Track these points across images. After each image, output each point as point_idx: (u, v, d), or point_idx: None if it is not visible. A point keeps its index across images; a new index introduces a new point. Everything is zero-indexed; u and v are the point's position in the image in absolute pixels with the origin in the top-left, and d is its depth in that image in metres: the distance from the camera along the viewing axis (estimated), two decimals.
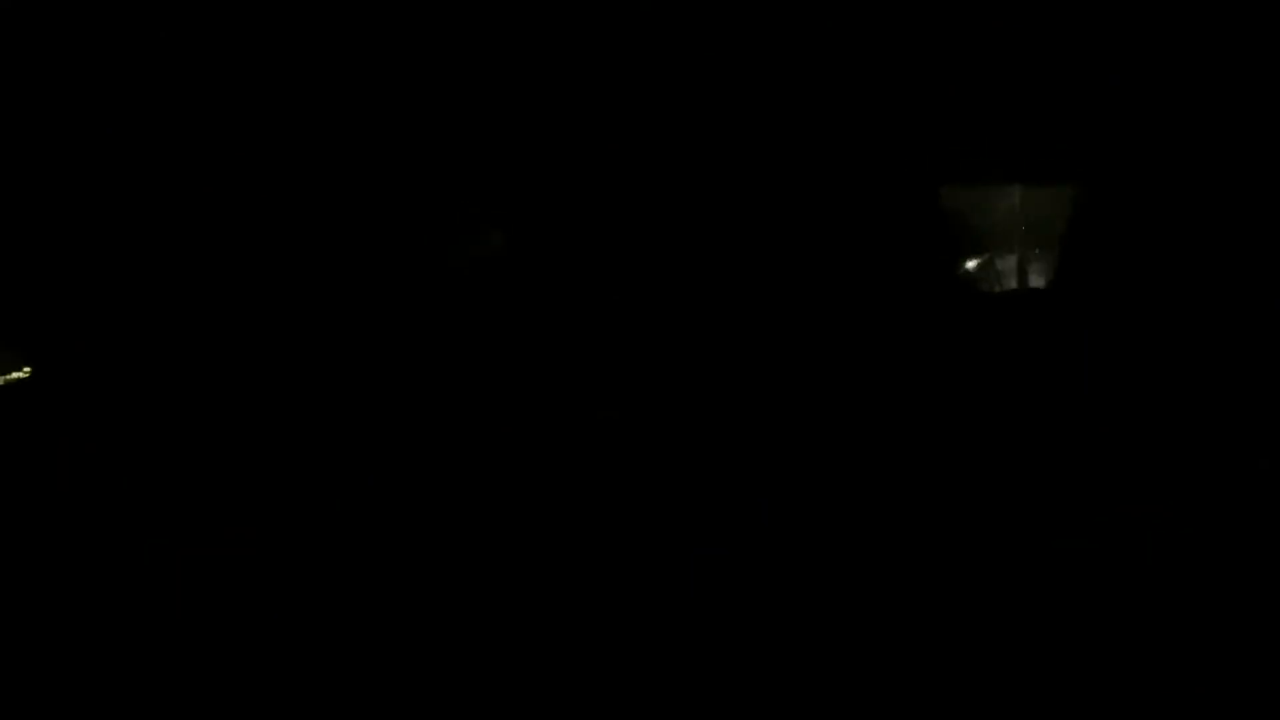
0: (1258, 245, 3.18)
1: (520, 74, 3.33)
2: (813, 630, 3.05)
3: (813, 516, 3.14)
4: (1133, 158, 3.23)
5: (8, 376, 3.28)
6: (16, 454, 3.23)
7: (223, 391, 3.27)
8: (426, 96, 3.34)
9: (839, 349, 3.24)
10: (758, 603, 3.07)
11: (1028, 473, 3.12)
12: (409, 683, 3.05)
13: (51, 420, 3.26)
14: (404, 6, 3.31)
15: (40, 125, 3.31)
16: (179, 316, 3.31)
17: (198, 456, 3.22)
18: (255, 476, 3.19)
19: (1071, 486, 3.10)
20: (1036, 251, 3.20)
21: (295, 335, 3.30)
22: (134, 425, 3.25)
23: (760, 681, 3.02)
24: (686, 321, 3.28)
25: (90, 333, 3.31)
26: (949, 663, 3.00)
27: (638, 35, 3.26)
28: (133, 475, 3.22)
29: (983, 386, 3.20)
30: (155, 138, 3.33)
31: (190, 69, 3.31)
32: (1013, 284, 3.21)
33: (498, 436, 3.23)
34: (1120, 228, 3.22)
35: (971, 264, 3.23)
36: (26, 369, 3.28)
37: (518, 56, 3.32)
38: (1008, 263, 3.21)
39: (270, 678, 3.05)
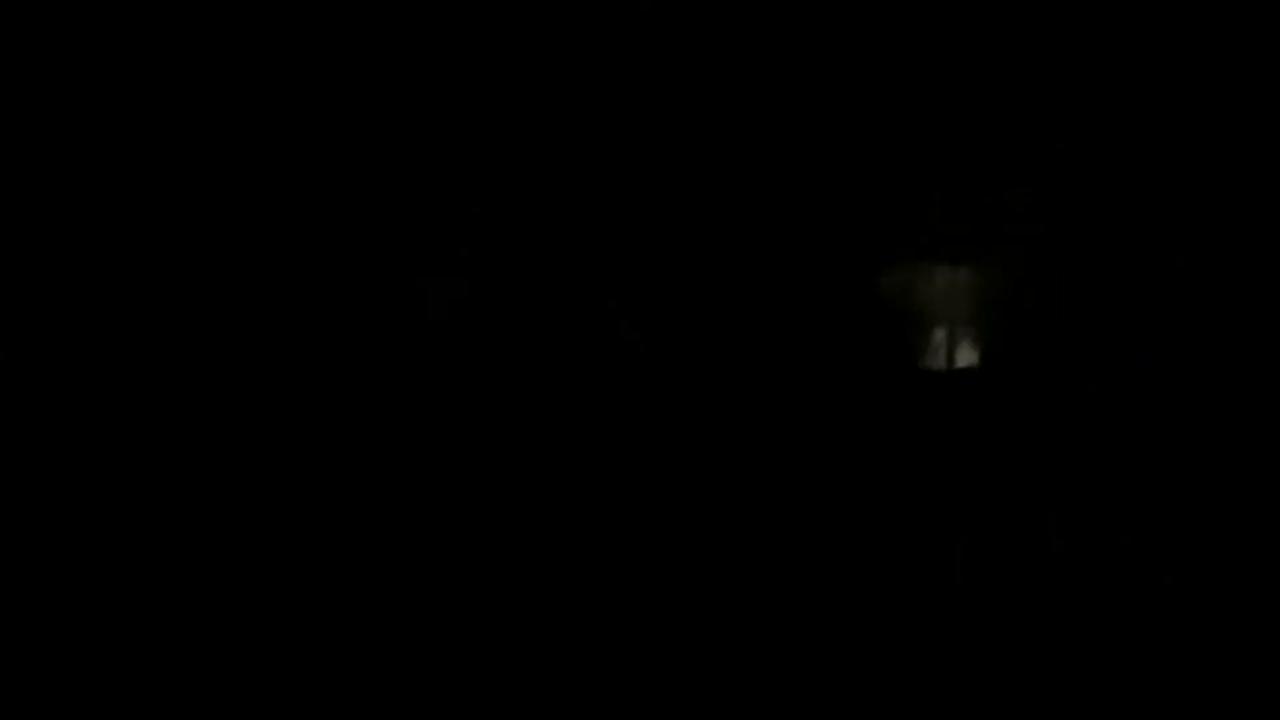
0: (1181, 319, 3.20)
1: (515, 77, 3.33)
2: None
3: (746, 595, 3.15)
4: (1060, 235, 3.25)
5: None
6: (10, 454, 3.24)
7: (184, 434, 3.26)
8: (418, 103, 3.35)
9: (777, 423, 3.25)
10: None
11: (959, 549, 3.14)
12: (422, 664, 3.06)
13: (44, 421, 3.27)
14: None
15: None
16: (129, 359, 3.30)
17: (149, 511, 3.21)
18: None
19: (1002, 559, 3.12)
20: (967, 328, 3.22)
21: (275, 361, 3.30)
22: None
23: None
24: (645, 384, 3.28)
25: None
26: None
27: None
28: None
29: (920, 461, 3.21)
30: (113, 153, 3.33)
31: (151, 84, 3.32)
32: (946, 361, 3.23)
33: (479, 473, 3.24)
34: (1053, 303, 3.23)
35: (907, 340, 3.25)
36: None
37: (511, 59, 3.33)
38: (939, 338, 3.24)
39: (267, 676, 3.05)
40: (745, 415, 3.24)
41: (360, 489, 3.20)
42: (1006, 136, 3.25)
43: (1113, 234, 3.22)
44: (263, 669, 3.06)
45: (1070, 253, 3.22)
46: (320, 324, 3.31)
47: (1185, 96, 3.22)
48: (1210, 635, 3.00)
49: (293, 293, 3.32)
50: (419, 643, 3.09)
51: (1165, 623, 3.02)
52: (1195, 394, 3.16)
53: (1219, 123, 3.21)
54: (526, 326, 3.30)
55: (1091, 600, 3.06)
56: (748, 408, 3.24)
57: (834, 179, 3.31)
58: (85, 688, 3.04)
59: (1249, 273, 3.17)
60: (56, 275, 3.29)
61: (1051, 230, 3.23)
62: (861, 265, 3.29)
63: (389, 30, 3.32)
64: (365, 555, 3.17)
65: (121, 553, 3.16)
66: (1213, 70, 3.20)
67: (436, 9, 3.31)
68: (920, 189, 3.28)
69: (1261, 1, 3.17)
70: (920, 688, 3.01)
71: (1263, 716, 2.92)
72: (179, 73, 3.32)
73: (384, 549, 3.17)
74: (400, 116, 3.34)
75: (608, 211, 3.34)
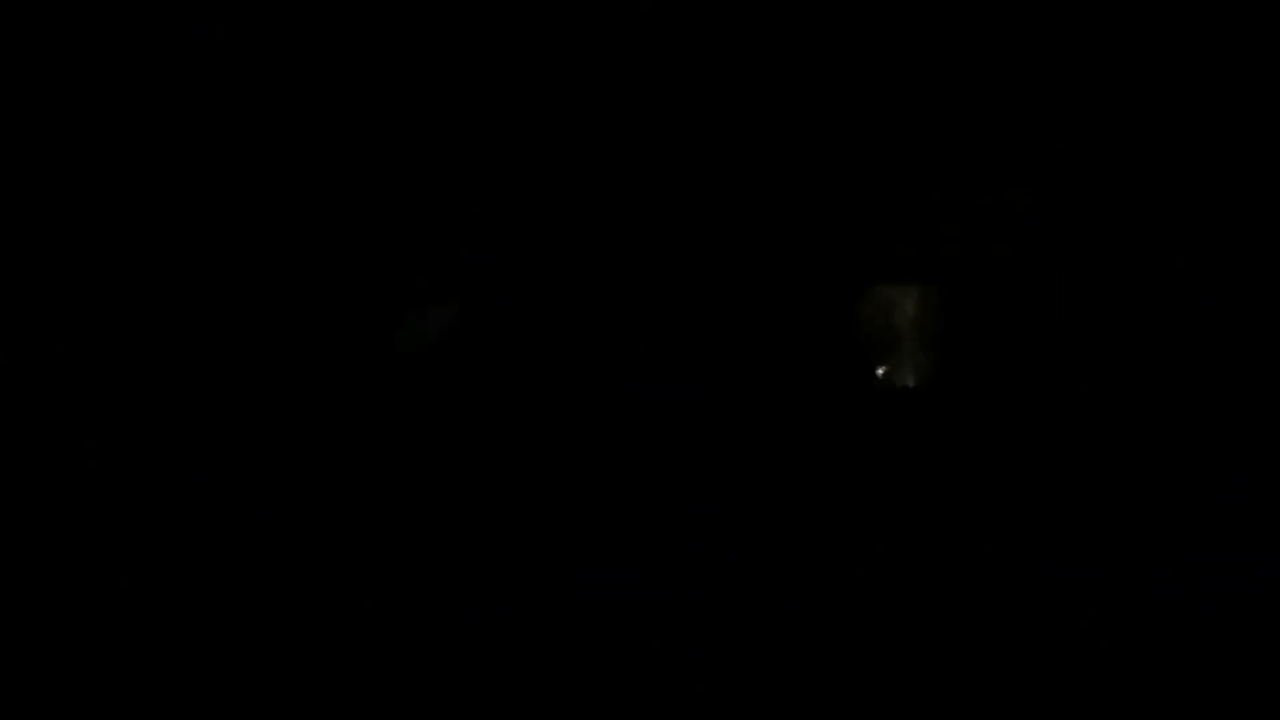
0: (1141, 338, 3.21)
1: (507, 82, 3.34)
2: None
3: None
4: (1060, 235, 3.25)
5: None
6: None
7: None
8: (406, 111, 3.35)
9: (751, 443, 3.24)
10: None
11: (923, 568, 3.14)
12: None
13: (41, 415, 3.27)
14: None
15: None
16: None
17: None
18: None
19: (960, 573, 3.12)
20: (965, 329, 3.23)
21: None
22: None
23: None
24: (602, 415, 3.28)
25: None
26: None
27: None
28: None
29: (917, 462, 3.20)
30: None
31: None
32: (942, 362, 3.23)
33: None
34: (1053, 303, 3.23)
35: (904, 339, 3.25)
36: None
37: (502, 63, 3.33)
38: (906, 360, 3.23)
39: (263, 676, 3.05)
40: (746, 417, 3.24)
41: (360, 486, 3.21)
42: (1006, 136, 3.25)
43: (1113, 234, 3.22)
44: (261, 669, 3.06)
45: (1070, 253, 3.22)
46: (319, 324, 3.31)
47: (1185, 96, 3.22)
48: (1208, 640, 3.01)
49: (291, 293, 3.32)
50: (418, 645, 3.09)
51: (1160, 635, 3.02)
52: (1195, 395, 3.16)
53: (1219, 123, 3.21)
54: (526, 326, 3.30)
55: (1088, 605, 3.06)
56: (750, 409, 3.24)
57: (833, 179, 3.31)
58: (85, 688, 3.04)
59: (1249, 273, 3.17)
60: (49, 276, 3.30)
61: (1051, 230, 3.23)
62: (860, 264, 3.29)
63: (387, 27, 3.32)
64: (367, 552, 3.17)
65: (113, 553, 3.16)
66: (1213, 70, 3.20)
67: (436, 7, 3.31)
68: (919, 189, 3.28)
69: (1261, 1, 3.17)
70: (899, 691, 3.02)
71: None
72: (174, 72, 3.32)
73: (384, 547, 3.17)
74: (400, 116, 3.34)
75: (608, 212, 3.34)
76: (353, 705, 3.02)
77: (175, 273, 3.31)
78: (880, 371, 3.25)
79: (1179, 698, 2.94)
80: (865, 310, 3.26)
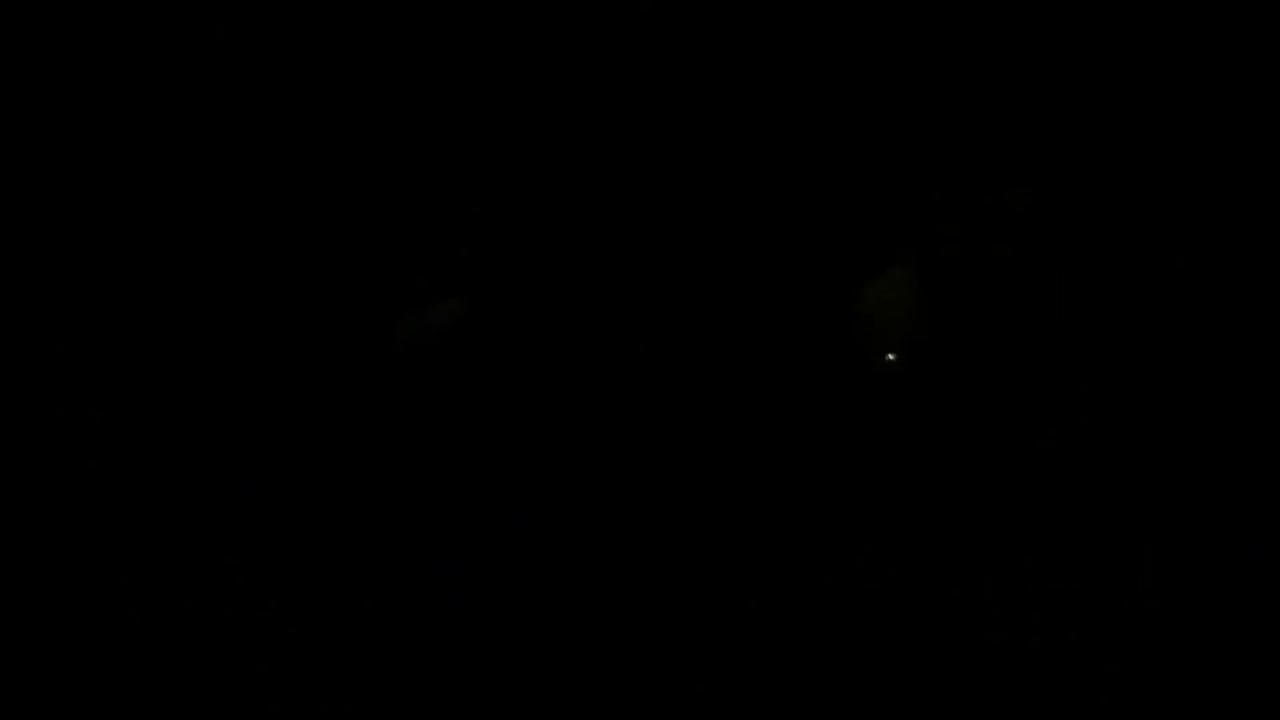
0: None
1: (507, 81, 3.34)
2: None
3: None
4: (1060, 235, 3.25)
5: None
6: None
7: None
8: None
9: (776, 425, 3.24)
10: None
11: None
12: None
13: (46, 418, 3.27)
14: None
15: None
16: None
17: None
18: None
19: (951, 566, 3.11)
20: (964, 329, 3.22)
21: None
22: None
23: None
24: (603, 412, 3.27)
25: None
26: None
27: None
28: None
29: (914, 462, 3.20)
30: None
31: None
32: (941, 362, 3.23)
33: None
34: (1053, 303, 3.23)
35: (902, 340, 3.25)
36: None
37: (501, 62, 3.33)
38: (935, 339, 3.23)
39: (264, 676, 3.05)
40: (746, 417, 3.24)
41: (360, 486, 3.21)
42: (1006, 136, 3.25)
43: (1113, 234, 3.22)
44: (260, 670, 3.06)
45: (1070, 253, 3.22)
46: (319, 324, 3.31)
47: (1185, 96, 3.22)
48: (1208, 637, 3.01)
49: (291, 293, 3.32)
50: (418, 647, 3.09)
51: (1165, 633, 3.02)
52: (1195, 394, 3.16)
53: (1218, 123, 3.21)
54: (526, 326, 3.30)
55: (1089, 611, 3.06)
56: (750, 409, 3.24)
57: (833, 179, 3.31)
58: (84, 688, 3.04)
59: (1249, 273, 3.17)
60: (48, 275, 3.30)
61: (1051, 230, 3.23)
62: (859, 265, 3.30)
63: (387, 26, 3.32)
64: (367, 552, 3.17)
65: (111, 554, 3.16)
66: (1213, 70, 3.21)
67: (436, 7, 3.31)
68: (919, 189, 3.29)
69: (1261, 1, 3.17)
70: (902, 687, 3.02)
71: None
72: (174, 72, 3.32)
73: (384, 547, 3.17)
74: (400, 115, 3.34)
75: (608, 212, 3.34)
76: (353, 705, 3.02)
77: (175, 272, 3.31)
78: (879, 371, 3.25)
79: (1179, 698, 2.94)
80: (864, 310, 3.26)
